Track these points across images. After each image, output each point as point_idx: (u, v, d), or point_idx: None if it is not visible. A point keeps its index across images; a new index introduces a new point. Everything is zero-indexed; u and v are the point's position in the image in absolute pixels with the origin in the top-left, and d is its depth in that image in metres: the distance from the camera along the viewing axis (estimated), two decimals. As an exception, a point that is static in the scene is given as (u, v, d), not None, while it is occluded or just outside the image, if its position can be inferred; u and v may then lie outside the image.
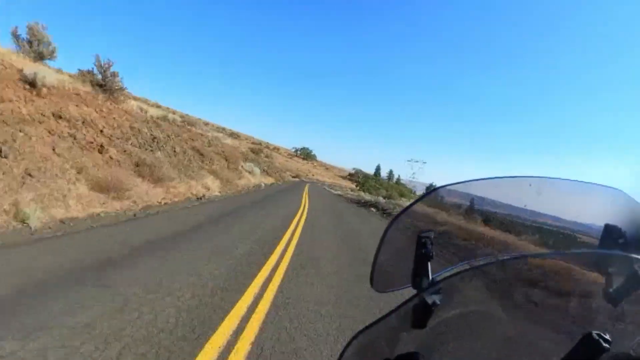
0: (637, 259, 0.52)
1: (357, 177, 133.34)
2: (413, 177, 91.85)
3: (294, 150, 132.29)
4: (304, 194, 23.81)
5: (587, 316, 0.57)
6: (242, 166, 22.73)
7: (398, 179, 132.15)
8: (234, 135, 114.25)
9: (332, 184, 77.61)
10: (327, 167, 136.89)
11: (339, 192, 39.89)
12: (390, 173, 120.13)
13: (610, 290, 0.55)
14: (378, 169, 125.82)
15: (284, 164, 77.99)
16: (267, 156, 50.71)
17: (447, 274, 0.60)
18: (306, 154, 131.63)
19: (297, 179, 61.13)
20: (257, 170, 26.01)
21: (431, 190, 0.71)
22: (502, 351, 0.59)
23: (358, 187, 61.32)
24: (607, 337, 0.44)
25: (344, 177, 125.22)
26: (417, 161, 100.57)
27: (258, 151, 49.67)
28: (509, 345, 0.60)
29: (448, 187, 0.70)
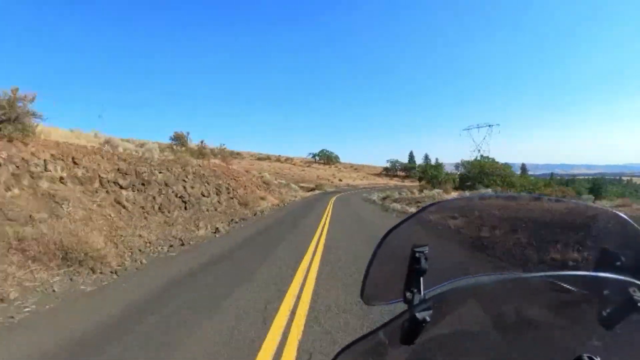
0: (633, 282, 0.55)
1: (394, 170, 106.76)
2: (479, 152, 63.09)
3: (311, 156, 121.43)
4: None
5: (580, 339, 0.59)
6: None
7: (438, 164, 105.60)
8: (233, 154, 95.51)
9: (370, 187, 61.78)
10: (355, 168, 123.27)
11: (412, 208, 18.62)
12: (427, 158, 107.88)
13: (605, 313, 0.57)
14: (411, 156, 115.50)
15: (299, 175, 67.48)
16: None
17: (440, 290, 0.62)
18: (327, 158, 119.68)
19: (314, 193, 43.45)
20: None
21: (426, 206, 0.72)
22: None
23: (421, 188, 34.38)
24: (598, 359, 0.45)
25: (378, 175, 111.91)
26: (480, 127, 69.85)
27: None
28: None
29: (442, 204, 0.75)
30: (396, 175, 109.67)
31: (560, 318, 0.62)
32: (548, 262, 0.77)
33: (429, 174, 52.23)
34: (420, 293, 0.61)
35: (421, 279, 0.62)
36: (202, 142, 21.20)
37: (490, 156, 52.74)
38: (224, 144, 23.46)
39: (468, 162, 52.57)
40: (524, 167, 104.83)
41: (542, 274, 0.58)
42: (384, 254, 0.67)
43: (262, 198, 20.20)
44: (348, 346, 0.55)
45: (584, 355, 0.47)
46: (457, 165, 55.73)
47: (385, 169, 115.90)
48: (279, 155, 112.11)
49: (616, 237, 0.67)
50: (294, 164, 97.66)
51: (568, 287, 0.59)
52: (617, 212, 0.69)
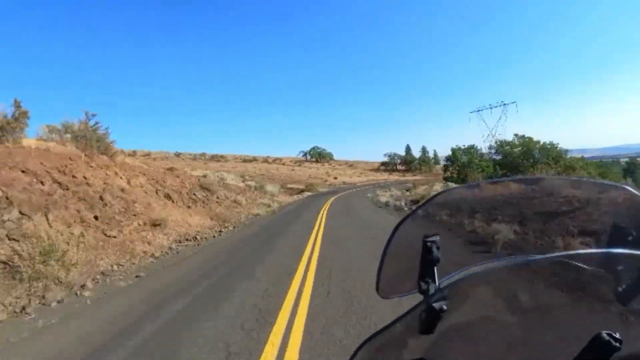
0: None
1: (391, 164, 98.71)
2: (492, 137, 54.11)
3: (302, 155, 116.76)
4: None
5: (597, 316, 0.61)
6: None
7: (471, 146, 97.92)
8: (215, 158, 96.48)
9: (371, 184, 54.73)
10: (350, 164, 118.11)
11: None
12: (424, 150, 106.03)
13: (620, 289, 0.58)
14: (408, 149, 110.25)
15: (287, 175, 62.18)
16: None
17: (454, 279, 0.63)
18: (319, 155, 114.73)
19: (302, 197, 34.03)
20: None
21: (433, 195, 0.75)
22: (511, 355, 0.63)
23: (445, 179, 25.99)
24: (618, 336, 0.46)
25: (376, 170, 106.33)
26: (492, 107, 60.33)
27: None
28: (518, 349, 0.62)
29: (449, 192, 0.76)
30: (396, 170, 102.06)
31: (576, 297, 0.62)
32: (559, 242, 0.78)
33: (460, 161, 42.34)
34: (435, 282, 0.62)
35: (435, 268, 0.63)
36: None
37: (505, 141, 43.18)
38: (107, 128, 12.60)
39: (504, 142, 41.67)
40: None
41: (555, 254, 0.58)
42: (395, 247, 0.69)
43: (156, 224, 9.61)
44: (369, 339, 0.57)
45: (603, 332, 0.47)
46: (448, 159, 45.65)
47: (383, 163, 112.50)
48: (267, 157, 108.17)
49: (626, 212, 0.67)
50: (283, 164, 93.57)
51: (582, 265, 0.59)
52: (625, 186, 0.69)
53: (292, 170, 77.01)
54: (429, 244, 0.64)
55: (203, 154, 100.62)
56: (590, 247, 0.65)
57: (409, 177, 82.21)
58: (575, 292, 0.62)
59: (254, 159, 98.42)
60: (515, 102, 59.02)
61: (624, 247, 0.60)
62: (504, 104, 57.46)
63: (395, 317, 0.58)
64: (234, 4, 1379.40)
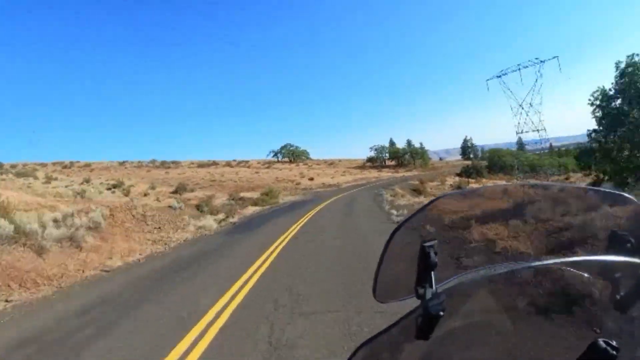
0: None
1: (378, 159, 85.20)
2: (522, 109, 38.92)
3: (272, 155, 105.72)
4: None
5: (595, 323, 0.61)
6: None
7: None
8: (165, 164, 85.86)
9: (361, 184, 41.45)
10: (330, 163, 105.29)
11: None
12: (409, 144, 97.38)
13: (618, 296, 0.59)
14: (392, 144, 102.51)
15: (246, 180, 50.51)
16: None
17: (451, 284, 0.65)
18: (292, 154, 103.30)
19: (227, 226, 16.61)
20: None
21: (432, 200, 0.76)
22: None
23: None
24: (614, 344, 0.48)
25: (361, 167, 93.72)
26: (521, 67, 44.82)
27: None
28: (514, 355, 0.64)
29: (447, 197, 0.78)
30: (385, 166, 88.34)
31: (574, 304, 0.65)
32: (557, 248, 0.77)
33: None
34: (432, 287, 0.64)
35: (432, 273, 0.65)
36: None
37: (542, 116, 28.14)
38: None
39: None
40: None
41: (553, 261, 0.59)
42: (393, 251, 0.71)
43: None
44: (365, 343, 0.58)
45: (600, 339, 0.47)
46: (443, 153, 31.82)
47: (370, 159, 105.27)
48: (231, 160, 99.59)
49: (625, 220, 0.70)
50: (248, 167, 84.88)
51: (580, 273, 0.62)
52: (623, 194, 0.72)
53: (256, 173, 67.62)
54: (426, 249, 0.66)
55: (153, 161, 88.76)
56: (589, 255, 0.67)
57: (404, 173, 76.91)
58: (573, 299, 0.64)
59: (214, 163, 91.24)
60: (557, 56, 43.91)
61: (623, 254, 0.60)
62: (540, 62, 43.06)
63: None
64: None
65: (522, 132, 42.25)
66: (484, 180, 44.10)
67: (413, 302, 0.62)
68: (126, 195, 31.74)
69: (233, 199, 30.34)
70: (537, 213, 0.79)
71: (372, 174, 74.02)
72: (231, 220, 18.47)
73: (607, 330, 0.60)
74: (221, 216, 19.80)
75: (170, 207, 24.49)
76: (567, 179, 31.83)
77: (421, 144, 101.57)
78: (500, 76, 45.97)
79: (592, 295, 0.63)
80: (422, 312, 0.54)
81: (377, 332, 0.56)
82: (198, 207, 26.04)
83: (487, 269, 0.66)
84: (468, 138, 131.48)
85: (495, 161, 61.19)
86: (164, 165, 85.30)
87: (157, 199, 29.71)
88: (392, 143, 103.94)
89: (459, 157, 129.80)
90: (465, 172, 56.47)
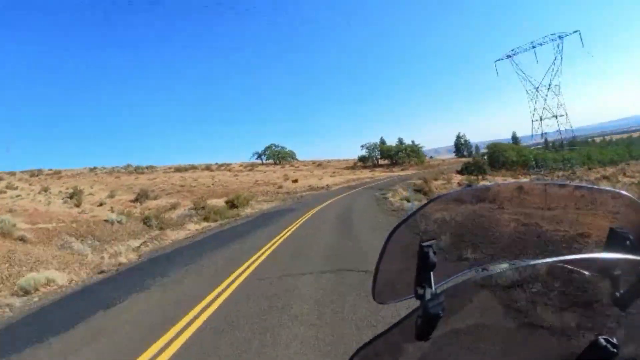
0: None
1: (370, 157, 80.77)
2: (539, 90, 33.70)
3: (255, 157, 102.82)
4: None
5: (595, 321, 0.62)
6: None
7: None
8: (139, 170, 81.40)
9: (353, 187, 35.72)
10: (318, 164, 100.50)
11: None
12: (401, 142, 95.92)
13: (618, 294, 0.60)
14: (383, 142, 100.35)
15: (222, 184, 45.75)
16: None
17: (451, 284, 0.66)
18: (277, 156, 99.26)
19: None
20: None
21: (431, 199, 0.77)
22: None
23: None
24: (615, 341, 0.49)
25: (352, 168, 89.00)
26: (536, 45, 37.88)
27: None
28: (515, 355, 0.65)
29: (447, 195, 0.79)
30: (378, 165, 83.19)
31: (574, 303, 0.65)
32: (556, 247, 0.81)
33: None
34: (431, 288, 0.65)
35: (431, 273, 0.67)
36: None
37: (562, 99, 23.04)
38: None
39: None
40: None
41: (552, 259, 0.59)
42: (392, 251, 0.71)
43: None
44: (364, 345, 0.59)
45: (600, 337, 0.49)
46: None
47: (361, 158, 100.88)
48: (211, 164, 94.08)
49: (624, 217, 0.71)
50: (229, 170, 79.17)
51: (580, 270, 0.63)
52: (621, 191, 0.74)
53: (235, 176, 63.03)
54: (425, 248, 0.67)
55: (127, 166, 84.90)
56: (588, 252, 0.68)
57: (399, 172, 71.66)
58: (573, 298, 0.65)
59: (192, 167, 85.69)
60: (577, 30, 37.83)
61: (622, 251, 0.62)
62: (559, 37, 37.54)
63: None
64: None
65: (539, 119, 37.28)
66: (488, 177, 40.10)
67: (413, 303, 0.63)
68: (77, 205, 26.38)
69: (195, 208, 24.90)
70: (536, 212, 0.77)
71: (365, 174, 69.49)
72: (122, 261, 10.05)
73: (607, 327, 0.59)
74: (139, 242, 13.41)
75: (106, 221, 18.85)
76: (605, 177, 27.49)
77: (413, 142, 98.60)
78: (510, 56, 39.63)
79: (592, 293, 0.63)
80: (421, 313, 0.55)
81: (375, 335, 0.56)
82: (145, 220, 20.48)
83: (487, 269, 0.68)
84: (461, 135, 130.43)
85: (496, 157, 57.05)
86: (137, 170, 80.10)
87: (111, 209, 24.37)
88: (382, 142, 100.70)
89: (449, 155, 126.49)
90: (467, 169, 51.73)
